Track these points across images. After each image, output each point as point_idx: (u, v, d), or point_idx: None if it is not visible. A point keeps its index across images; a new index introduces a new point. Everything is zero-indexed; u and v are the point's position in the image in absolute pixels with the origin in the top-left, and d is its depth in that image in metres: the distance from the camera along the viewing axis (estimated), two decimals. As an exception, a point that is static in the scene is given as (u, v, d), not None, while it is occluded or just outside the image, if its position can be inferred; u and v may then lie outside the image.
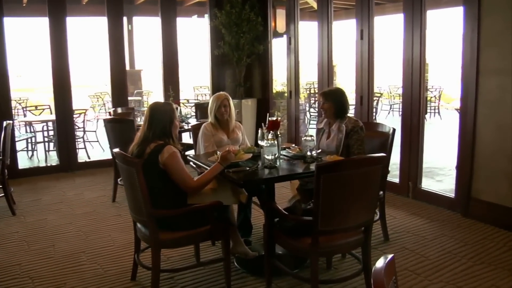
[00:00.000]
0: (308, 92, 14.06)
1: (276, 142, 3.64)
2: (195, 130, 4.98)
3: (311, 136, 3.83)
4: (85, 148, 9.11)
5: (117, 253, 4.45)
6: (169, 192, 3.44)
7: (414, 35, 5.55)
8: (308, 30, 8.67)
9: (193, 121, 6.75)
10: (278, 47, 8.46)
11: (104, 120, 5.90)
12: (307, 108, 11.84)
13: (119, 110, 7.17)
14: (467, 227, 4.92)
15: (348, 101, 4.42)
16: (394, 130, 4.37)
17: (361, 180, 3.03)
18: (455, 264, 4.06)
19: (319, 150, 4.09)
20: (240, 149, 3.97)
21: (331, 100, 4.29)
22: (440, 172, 7.40)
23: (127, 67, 16.41)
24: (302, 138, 3.85)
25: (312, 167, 3.66)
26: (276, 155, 3.66)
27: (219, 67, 8.70)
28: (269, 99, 8.52)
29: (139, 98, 15.51)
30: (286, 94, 9.18)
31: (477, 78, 4.90)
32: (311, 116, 11.59)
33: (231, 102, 4.76)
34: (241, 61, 8.15)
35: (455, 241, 4.57)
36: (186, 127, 6.23)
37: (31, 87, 19.87)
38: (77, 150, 8.72)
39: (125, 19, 15.08)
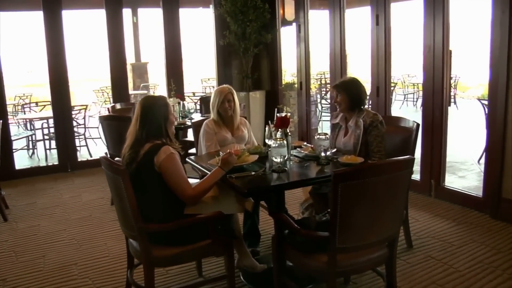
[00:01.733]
0: (319, 82, 13.56)
1: (285, 142, 3.17)
2: (196, 127, 4.53)
3: (325, 134, 3.36)
4: (86, 145, 8.70)
5: (112, 266, 4.04)
6: (163, 201, 3.00)
7: (436, 20, 5.04)
8: (317, 18, 8.19)
9: (197, 116, 6.30)
10: (287, 36, 8.01)
11: (100, 118, 5.47)
12: (319, 100, 11.32)
13: (118, 106, 6.73)
14: (498, 231, 4.44)
15: (365, 91, 3.98)
16: (418, 125, 3.90)
17: (386, 188, 2.57)
18: (489, 277, 3.60)
19: (335, 150, 3.62)
20: (245, 150, 3.53)
21: (345, 92, 3.85)
22: (462, 167, 6.90)
23: (133, 60, 16.13)
24: (315, 137, 3.39)
25: (327, 170, 3.23)
26: (286, 157, 3.20)
27: (225, 58, 8.23)
28: (278, 91, 8.06)
29: (145, 91, 15.12)
30: (296, 86, 8.73)
31: (509, 64, 4.40)
32: (323, 108, 11.09)
33: (236, 96, 4.31)
34: (248, 51, 7.68)
35: (486, 248, 4.10)
36: (188, 123, 5.78)
37: (42, 83, 19.59)
38: (77, 148, 8.37)
39: (129, 11, 14.98)
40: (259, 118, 7.93)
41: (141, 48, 16.19)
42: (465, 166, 6.94)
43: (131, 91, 14.96)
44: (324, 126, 10.51)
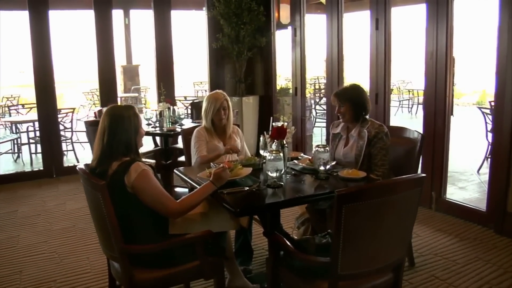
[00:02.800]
0: (313, 87, 13.33)
1: (281, 154, 2.91)
2: (186, 135, 4.26)
3: (325, 146, 3.10)
4: (73, 150, 8.40)
5: (93, 284, 3.75)
6: (144, 221, 2.72)
7: (439, 25, 4.81)
8: (311, 22, 7.95)
9: (187, 122, 6.03)
10: (281, 40, 7.75)
11: (85, 123, 5.19)
12: (313, 105, 11.07)
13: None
14: (503, 248, 4.20)
15: (368, 98, 3.72)
16: (423, 136, 3.65)
17: (394, 209, 2.32)
18: (499, 300, 3.36)
19: (334, 162, 3.37)
20: (237, 162, 3.26)
21: (348, 101, 3.60)
22: (461, 178, 6.67)
23: (124, 62, 15.84)
24: (314, 149, 3.13)
25: (327, 185, 2.97)
26: (282, 171, 2.93)
27: (218, 61, 7.96)
28: (273, 96, 7.80)
29: (136, 94, 14.84)
30: (290, 91, 8.48)
31: (517, 72, 4.18)
32: (317, 114, 10.84)
33: (230, 103, 4.05)
34: (242, 55, 7.41)
35: (493, 267, 3.86)
36: (179, 129, 5.51)
37: (33, 83, 19.20)
38: (64, 153, 8.12)
39: (121, 12, 14.71)
40: (252, 124, 7.68)
41: (133, 50, 15.93)
42: (465, 177, 6.72)
43: (121, 94, 14.81)
44: (319, 133, 10.27)
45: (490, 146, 6.84)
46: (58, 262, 4.16)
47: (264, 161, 3.29)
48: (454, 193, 5.85)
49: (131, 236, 2.66)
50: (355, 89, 3.69)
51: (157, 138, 6.47)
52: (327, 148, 3.08)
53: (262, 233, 2.94)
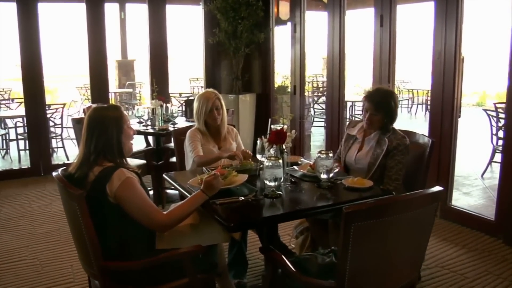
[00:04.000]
0: (311, 86, 13.06)
1: (280, 161, 2.63)
2: (177, 136, 3.99)
3: (329, 152, 2.82)
4: (63, 147, 8.11)
5: (75, 295, 3.49)
6: (127, 235, 2.44)
7: (448, 24, 4.54)
8: (310, 19, 7.67)
9: (181, 121, 5.75)
10: (280, 36, 7.46)
11: (73, 120, 4.90)
12: (312, 104, 10.80)
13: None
14: (515, 261, 3.95)
15: (398, 108, 3.44)
16: (433, 142, 3.38)
17: (408, 228, 2.06)
18: (514, 321, 3.10)
19: (337, 169, 3.08)
20: (232, 168, 2.99)
21: (384, 111, 3.29)
22: (465, 182, 6.41)
23: (119, 57, 15.53)
24: (317, 154, 2.85)
25: (329, 195, 2.71)
26: (281, 179, 2.66)
27: (214, 58, 7.67)
28: (270, 94, 7.51)
29: (131, 90, 14.54)
30: (288, 89, 8.20)
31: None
32: (315, 113, 10.58)
33: (223, 101, 3.78)
34: (239, 51, 7.11)
35: (505, 282, 3.61)
36: (171, 128, 5.23)
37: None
38: (53, 150, 7.88)
39: (117, 6, 14.37)
40: (248, 123, 7.40)
41: (129, 45, 15.62)
42: (469, 181, 6.46)
43: (116, 90, 14.50)
44: (316, 132, 10.02)
45: (495, 150, 6.62)
46: (39, 270, 3.88)
47: (261, 166, 3.03)
48: (459, 199, 5.60)
49: (112, 252, 2.39)
50: (394, 99, 3.37)
51: (150, 137, 6.17)
52: (330, 154, 2.81)
53: (258, 248, 2.65)
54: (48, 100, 15.28)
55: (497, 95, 15.54)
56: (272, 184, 2.60)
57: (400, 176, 3.21)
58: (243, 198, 2.60)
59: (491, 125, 6.69)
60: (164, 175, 3.22)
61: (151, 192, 5.36)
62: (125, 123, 2.54)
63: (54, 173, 2.48)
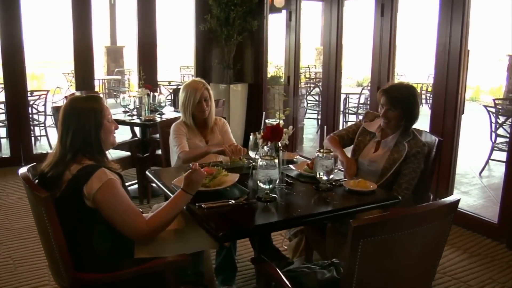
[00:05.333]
0: (304, 77, 12.79)
1: (276, 161, 2.36)
2: (163, 128, 3.70)
3: (329, 151, 2.55)
4: (46, 135, 7.77)
5: (48, 300, 3.21)
6: (103, 243, 2.16)
7: (454, 15, 4.28)
8: (305, 9, 7.38)
9: (168, 111, 5.45)
10: (274, 24, 7.17)
11: (53, 108, 4.60)
12: (305, 95, 10.52)
13: (78, 94, 5.81)
14: (520, 267, 3.73)
15: (419, 106, 3.12)
16: (440, 141, 3.12)
17: (422, 242, 1.81)
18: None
19: (336, 170, 2.81)
20: (221, 167, 2.72)
21: (402, 107, 2.98)
22: (463, 180, 6.19)
23: (108, 43, 15.16)
24: (316, 154, 2.58)
25: (330, 200, 2.44)
26: (277, 181, 2.39)
27: (205, 45, 7.37)
28: (263, 85, 7.22)
29: (119, 77, 14.17)
30: (282, 80, 7.93)
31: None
32: (308, 105, 10.31)
33: (211, 91, 3.50)
34: (231, 39, 6.81)
35: (511, 291, 3.38)
36: (158, 119, 4.94)
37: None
38: (36, 138, 7.57)
39: (107, -10, 13.99)
40: (239, 115, 7.13)
41: (118, 31, 15.25)
42: (467, 179, 6.24)
43: (104, 76, 14.14)
44: (309, 124, 9.76)
45: (493, 148, 6.41)
46: (11, 271, 3.60)
47: (253, 163, 2.76)
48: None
49: (85, 261, 2.11)
50: (413, 95, 3.05)
51: (136, 128, 5.86)
52: (331, 153, 2.54)
53: (250, 259, 2.39)
54: (34, 86, 15.04)
55: (491, 91, 15.37)
56: (267, 186, 2.33)
57: (411, 186, 2.94)
58: (233, 201, 2.33)
59: (491, 122, 6.46)
60: (147, 172, 2.93)
61: (135, 186, 5.10)
62: (105, 117, 2.25)
63: (20, 171, 2.19)
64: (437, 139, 3.12)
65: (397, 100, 2.99)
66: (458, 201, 1.90)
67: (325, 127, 2.87)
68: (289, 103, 6.66)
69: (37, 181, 2.23)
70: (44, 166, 2.20)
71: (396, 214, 1.78)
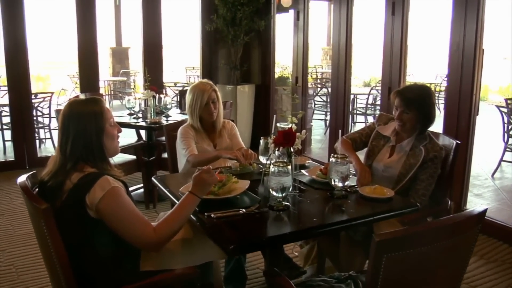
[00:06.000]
0: (310, 77, 12.65)
1: (289, 167, 2.24)
2: (169, 132, 3.59)
3: (345, 156, 2.43)
4: (51, 138, 7.68)
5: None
6: (107, 256, 2.04)
7: (468, 13, 4.14)
8: (313, 8, 7.27)
9: (174, 113, 5.35)
10: (282, 24, 7.07)
11: (56, 111, 4.50)
12: (313, 96, 10.39)
13: (82, 97, 5.68)
14: (539, 276, 3.59)
15: (435, 108, 3.00)
16: (457, 144, 2.99)
17: (448, 254, 1.68)
18: None
19: (352, 175, 2.68)
20: (231, 172, 2.60)
21: (418, 109, 2.84)
22: (476, 182, 6.04)
23: (113, 45, 15.08)
24: (330, 159, 2.45)
25: (346, 208, 2.32)
26: (290, 188, 2.27)
27: (211, 46, 7.26)
28: (271, 85, 7.11)
29: (125, 78, 14.08)
30: (289, 80, 7.81)
31: None
32: (316, 106, 10.18)
33: (219, 93, 3.39)
34: (238, 39, 6.70)
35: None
36: (164, 122, 4.83)
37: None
38: (41, 141, 7.52)
39: (112, -9, 13.91)
40: (247, 116, 7.02)
41: (123, 32, 15.17)
42: (479, 181, 6.09)
43: (109, 78, 14.06)
44: (316, 125, 9.64)
45: (506, 149, 6.27)
46: (14, 279, 3.50)
47: (263, 168, 2.64)
48: (471, 201, 5.22)
49: (88, 275, 2.00)
50: (428, 96, 2.92)
51: (142, 131, 5.75)
52: (347, 159, 2.42)
53: (262, 272, 2.27)
54: (39, 88, 14.96)
55: (500, 90, 15.20)
56: (280, 195, 2.21)
57: (428, 192, 2.81)
58: (244, 210, 2.21)
59: (503, 122, 6.31)
60: (153, 179, 2.81)
61: (141, 190, 4.99)
62: (107, 121, 2.13)
63: (19, 179, 2.09)
64: (454, 142, 2.98)
65: (411, 102, 2.86)
66: (485, 210, 1.76)
67: (340, 130, 2.70)
68: (298, 104, 6.54)
69: (37, 190, 2.12)
70: (44, 175, 2.09)
71: (422, 228, 1.65)
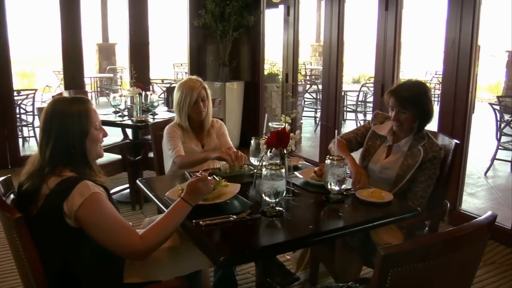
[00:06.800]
0: (300, 74, 12.53)
1: (282, 171, 2.09)
2: (155, 131, 3.44)
3: (342, 158, 2.29)
4: (35, 136, 7.47)
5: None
6: (88, 268, 1.88)
7: (465, 9, 4.03)
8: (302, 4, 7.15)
9: (161, 111, 5.19)
10: (271, 20, 6.94)
11: (38, 109, 4.32)
12: (302, 93, 10.27)
13: (66, 94, 5.50)
14: (538, 278, 3.49)
15: (433, 103, 2.85)
16: (457, 144, 2.86)
17: (456, 266, 1.56)
18: None
19: (349, 178, 2.54)
20: (220, 173, 2.46)
21: (414, 108, 2.70)
22: (469, 181, 5.94)
23: (100, 40, 14.85)
24: (326, 161, 2.32)
25: (343, 213, 2.19)
26: (283, 193, 2.12)
27: (199, 42, 7.09)
28: (260, 82, 6.96)
29: (111, 75, 13.86)
30: (279, 77, 7.68)
31: None
32: (305, 103, 10.04)
33: (209, 91, 3.24)
34: (226, 35, 6.56)
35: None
36: (151, 120, 4.68)
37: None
38: (24, 139, 7.33)
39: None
40: (236, 113, 6.87)
41: (110, 28, 14.96)
42: (472, 180, 6.00)
43: (96, 74, 13.83)
44: (306, 123, 9.51)
45: (498, 147, 6.19)
46: (-8, 286, 3.33)
47: (254, 170, 2.51)
48: (465, 200, 5.11)
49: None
50: (424, 92, 2.76)
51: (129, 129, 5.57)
52: (343, 161, 2.28)
53: (255, 284, 2.12)
54: (24, 85, 14.71)
55: (489, 87, 15.18)
56: (272, 200, 2.07)
57: (427, 194, 2.68)
58: (235, 216, 2.06)
59: (497, 120, 6.23)
60: (138, 182, 2.65)
61: (127, 191, 4.83)
62: (92, 124, 1.96)
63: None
64: (454, 142, 2.86)
65: (407, 100, 2.72)
66: (495, 218, 1.64)
67: (336, 131, 2.56)
68: (289, 102, 6.41)
69: (12, 195, 1.96)
70: (22, 175, 1.93)
71: (431, 240, 1.51)
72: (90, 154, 1.97)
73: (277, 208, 2.13)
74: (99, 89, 13.02)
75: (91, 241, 1.84)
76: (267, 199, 2.07)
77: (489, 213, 1.65)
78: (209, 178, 2.04)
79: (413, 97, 2.70)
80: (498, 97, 6.95)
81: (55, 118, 1.91)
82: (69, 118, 1.91)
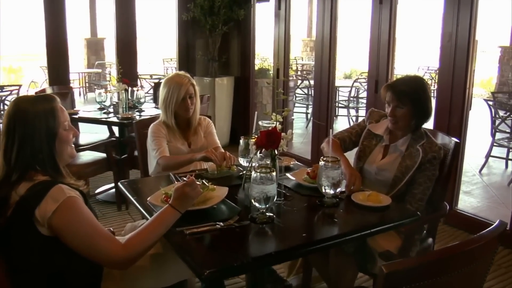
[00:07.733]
0: (291, 69, 12.40)
1: (273, 174, 1.94)
2: (140, 130, 3.27)
3: (337, 160, 2.14)
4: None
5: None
6: (63, 280, 1.73)
7: (462, 3, 3.90)
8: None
9: (148, 107, 5.02)
10: (262, 14, 6.79)
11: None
12: (294, 89, 10.13)
13: (49, 90, 5.29)
14: (537, 280, 3.37)
15: (431, 102, 2.70)
16: (456, 144, 2.72)
17: (465, 280, 1.42)
18: None
19: (344, 181, 2.39)
20: (207, 175, 2.31)
21: (412, 103, 2.55)
22: (464, 179, 5.80)
23: (88, 35, 14.61)
24: (320, 163, 2.17)
25: (339, 219, 2.04)
26: (274, 198, 1.97)
27: (188, 36, 6.92)
28: (250, 78, 6.81)
29: (100, 70, 13.64)
30: (270, 72, 7.53)
31: None
32: (297, 98, 9.90)
33: (197, 87, 3.08)
34: (216, 29, 6.41)
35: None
36: (138, 117, 4.51)
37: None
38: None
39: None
40: (225, 109, 6.72)
41: (98, 22, 14.70)
42: (467, 178, 5.88)
43: (84, 69, 13.60)
44: (297, 118, 9.38)
45: (493, 144, 6.09)
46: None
47: (243, 172, 2.36)
48: (461, 199, 4.99)
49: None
50: (422, 88, 2.61)
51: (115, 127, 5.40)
52: (338, 164, 2.13)
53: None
54: (11, 80, 14.45)
55: (481, 83, 15.11)
56: (262, 206, 1.91)
57: (426, 196, 2.54)
58: (222, 224, 1.91)
59: (492, 117, 6.11)
60: (119, 184, 2.49)
61: (112, 191, 4.66)
62: (60, 124, 1.80)
63: None
64: (454, 141, 2.71)
65: (405, 95, 2.56)
66: (505, 227, 1.50)
67: (331, 130, 2.41)
68: (280, 99, 6.27)
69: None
70: None
71: (439, 255, 1.37)
72: (61, 156, 1.80)
73: (267, 214, 1.97)
74: (87, 85, 12.81)
75: (67, 251, 1.68)
76: (257, 204, 1.91)
77: (498, 222, 1.51)
78: (197, 182, 1.89)
79: (411, 92, 2.55)
80: (492, 93, 6.85)
81: (19, 120, 1.74)
82: (34, 119, 1.74)
